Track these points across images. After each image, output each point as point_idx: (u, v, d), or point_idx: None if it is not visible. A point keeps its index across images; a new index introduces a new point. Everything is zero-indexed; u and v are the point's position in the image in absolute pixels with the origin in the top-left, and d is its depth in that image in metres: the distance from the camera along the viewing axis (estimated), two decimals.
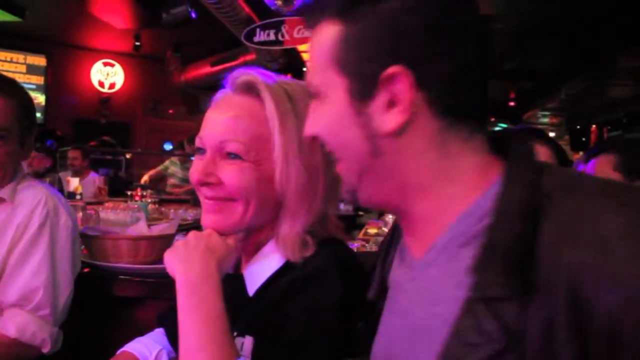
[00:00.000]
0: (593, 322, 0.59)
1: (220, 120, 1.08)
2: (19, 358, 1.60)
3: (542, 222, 0.66)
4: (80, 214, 2.69)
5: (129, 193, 4.26)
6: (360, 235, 4.31)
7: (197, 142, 1.11)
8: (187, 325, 0.94)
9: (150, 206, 3.84)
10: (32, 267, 1.62)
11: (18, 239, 1.63)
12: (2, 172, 1.65)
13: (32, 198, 1.69)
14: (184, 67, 9.81)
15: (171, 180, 6.80)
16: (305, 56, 7.63)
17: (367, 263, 1.11)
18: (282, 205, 1.07)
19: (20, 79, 8.96)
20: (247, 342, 1.03)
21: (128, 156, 8.70)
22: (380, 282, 0.93)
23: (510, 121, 13.69)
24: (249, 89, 1.09)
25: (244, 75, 1.10)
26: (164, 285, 1.77)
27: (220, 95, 1.14)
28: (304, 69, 8.54)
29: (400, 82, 0.72)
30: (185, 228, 2.82)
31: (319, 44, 0.79)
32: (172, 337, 1.25)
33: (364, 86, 0.74)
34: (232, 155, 1.05)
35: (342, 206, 8.20)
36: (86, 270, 1.90)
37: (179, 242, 1.07)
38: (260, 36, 5.83)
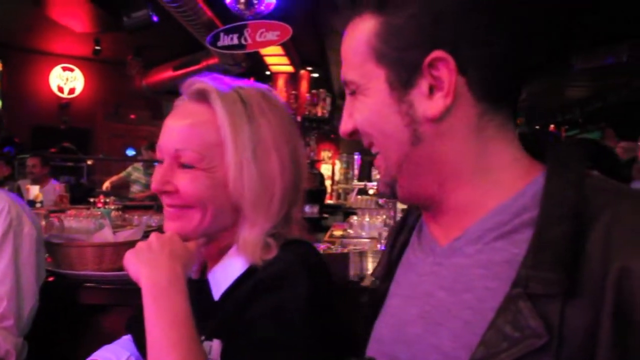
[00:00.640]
0: (635, 329, 0.61)
1: (175, 129, 1.09)
2: None
3: (592, 224, 0.67)
4: (43, 222, 2.64)
5: (91, 200, 4.19)
6: (326, 238, 4.32)
7: (157, 150, 1.12)
8: (154, 330, 0.94)
9: (114, 213, 3.79)
10: None
11: None
12: None
13: None
14: (146, 72, 9.70)
15: (135, 187, 6.72)
16: (267, 60, 7.63)
17: (334, 264, 1.13)
18: (240, 211, 1.08)
19: None
20: (215, 346, 1.03)
21: (89, 162, 8.56)
22: (388, 264, 0.95)
23: None
24: (202, 96, 1.10)
25: (197, 82, 1.10)
26: (131, 292, 1.75)
27: (177, 102, 1.15)
28: (267, 72, 8.57)
29: (443, 67, 0.74)
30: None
31: (355, 39, 0.81)
32: (140, 344, 1.25)
33: (405, 74, 0.76)
34: (187, 164, 1.07)
35: (307, 208, 8.23)
36: (51, 279, 1.88)
37: (142, 244, 1.06)
38: (224, 40, 5.81)
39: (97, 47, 8.96)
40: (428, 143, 0.78)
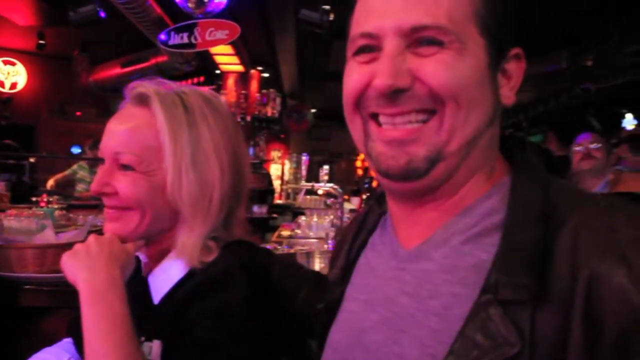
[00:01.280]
0: (605, 333, 0.60)
1: (115, 132, 1.10)
2: None
3: (559, 229, 0.67)
4: None
5: (33, 199, 4.08)
6: (274, 238, 4.34)
7: (99, 152, 1.13)
8: (92, 334, 0.95)
9: (57, 212, 3.71)
10: None
11: None
12: None
13: None
14: (93, 68, 9.47)
15: (80, 185, 6.56)
16: (217, 59, 7.58)
17: (283, 265, 1.16)
18: (178, 214, 1.10)
19: None
20: (155, 347, 1.04)
21: (32, 160, 8.30)
22: (345, 266, 0.93)
23: None
24: (144, 101, 1.12)
25: (139, 86, 1.12)
26: (72, 294, 1.74)
27: (121, 106, 1.17)
28: (217, 71, 8.50)
29: (518, 63, 0.78)
30: None
31: None
32: (81, 346, 1.24)
33: (498, 54, 0.75)
34: (126, 167, 1.08)
35: (256, 208, 8.22)
36: None
37: (79, 246, 1.07)
38: (174, 39, 5.76)
39: (41, 42, 8.69)
40: (492, 130, 0.77)
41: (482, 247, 0.72)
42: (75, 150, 9.70)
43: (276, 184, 9.63)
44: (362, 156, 11.11)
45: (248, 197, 1.20)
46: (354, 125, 0.80)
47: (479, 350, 0.64)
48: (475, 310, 0.67)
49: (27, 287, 1.86)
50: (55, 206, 3.91)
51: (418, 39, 0.72)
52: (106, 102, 9.90)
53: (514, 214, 0.71)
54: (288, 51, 7.48)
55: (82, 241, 1.08)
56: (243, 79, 8.71)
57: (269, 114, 8.70)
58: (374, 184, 6.93)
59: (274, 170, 11.83)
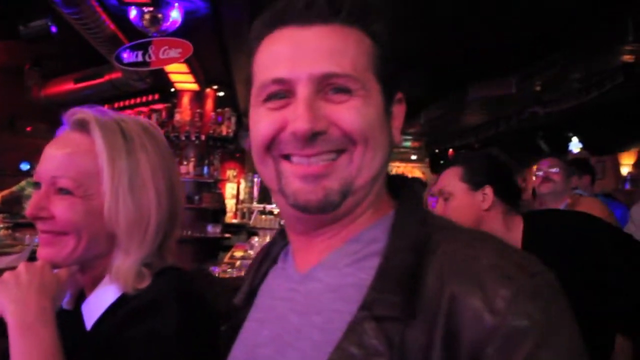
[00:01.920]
0: (462, 346, 0.68)
1: (54, 156, 1.11)
2: None
3: (430, 257, 0.75)
4: None
5: None
6: (226, 259, 4.32)
7: (35, 176, 1.13)
8: None
9: (3, 232, 3.63)
10: None
11: None
12: None
13: None
14: (45, 82, 9.28)
15: (28, 203, 6.39)
16: (172, 77, 7.54)
17: (220, 291, 1.17)
18: (114, 239, 1.11)
19: None
20: None
21: None
22: (249, 290, 0.97)
23: None
24: (83, 126, 1.13)
25: (78, 112, 1.14)
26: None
27: (58, 132, 1.18)
28: (172, 90, 8.45)
29: (402, 106, 0.87)
30: None
31: (351, 44, 0.79)
32: None
33: (388, 98, 0.84)
34: (63, 191, 1.09)
35: (209, 228, 8.16)
36: None
37: (9, 275, 1.05)
38: (130, 57, 5.74)
39: None
40: (386, 167, 0.85)
41: (363, 269, 0.79)
42: (25, 166, 9.45)
43: (231, 203, 9.57)
44: None
45: (182, 225, 1.21)
46: (265, 166, 0.84)
47: (351, 359, 0.70)
48: (353, 324, 0.73)
49: None
50: (1, 225, 3.81)
51: (329, 86, 0.78)
52: (58, 117, 9.66)
53: (393, 242, 0.79)
54: (243, 70, 7.47)
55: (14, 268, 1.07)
56: (198, 97, 8.69)
57: (224, 133, 8.66)
58: None
59: (230, 189, 11.77)
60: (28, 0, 5.87)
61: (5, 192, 6.54)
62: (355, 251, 0.82)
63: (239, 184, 12.14)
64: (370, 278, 0.77)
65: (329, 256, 0.84)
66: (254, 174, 12.33)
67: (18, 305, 0.99)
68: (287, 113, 0.79)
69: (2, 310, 1.00)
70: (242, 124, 9.18)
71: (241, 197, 12.05)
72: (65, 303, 1.17)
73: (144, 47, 5.65)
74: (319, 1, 0.79)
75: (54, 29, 5.90)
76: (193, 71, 7.53)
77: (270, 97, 0.81)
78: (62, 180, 1.09)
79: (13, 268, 1.89)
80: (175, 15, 5.30)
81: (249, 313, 0.94)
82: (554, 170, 3.65)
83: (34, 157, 9.02)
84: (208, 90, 8.75)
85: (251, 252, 4.59)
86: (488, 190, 1.94)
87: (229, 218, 9.39)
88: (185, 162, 8.32)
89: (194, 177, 8.37)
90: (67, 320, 1.07)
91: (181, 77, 7.87)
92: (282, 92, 0.80)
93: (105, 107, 1.20)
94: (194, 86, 8.33)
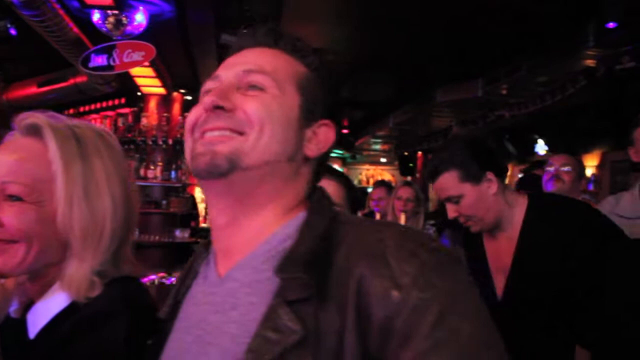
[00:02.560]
0: (372, 325, 0.73)
1: (4, 162, 1.08)
2: None
3: (339, 245, 0.81)
4: None
5: None
6: None
7: None
8: None
9: None
10: None
11: None
12: None
13: None
14: (7, 86, 9.08)
15: None
16: (139, 81, 7.45)
17: None
18: (68, 247, 1.08)
19: None
20: None
21: None
22: (174, 302, 0.98)
23: (344, 147, 14.34)
24: (35, 131, 1.10)
25: (30, 117, 1.11)
26: None
27: (7, 137, 1.14)
28: (138, 94, 8.35)
29: (330, 131, 0.96)
30: None
31: (281, 62, 0.94)
32: None
33: (309, 116, 0.93)
34: (13, 197, 1.05)
35: (177, 233, 8.07)
36: None
37: None
38: (95, 61, 5.65)
39: None
40: (292, 169, 0.92)
41: (276, 263, 0.84)
42: None
43: (202, 207, 9.48)
44: None
45: (135, 232, 1.20)
46: (187, 145, 0.93)
47: (270, 344, 0.74)
48: (268, 312, 0.78)
49: None
50: None
51: (247, 84, 0.91)
52: None
53: (301, 234, 0.85)
54: (210, 75, 7.44)
55: None
56: (165, 101, 8.59)
57: None
58: None
59: (199, 193, 11.66)
60: None
61: None
62: (269, 250, 0.86)
63: None
64: None
65: (245, 258, 0.88)
66: None
67: None
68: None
69: None
70: None
71: None
72: (13, 312, 1.13)
73: (109, 51, 5.57)
74: (265, 33, 0.98)
75: (13, 32, 5.77)
76: (159, 75, 7.45)
77: (205, 94, 0.94)
78: (12, 186, 1.05)
79: None
80: (140, 18, 5.23)
81: (174, 324, 0.96)
82: (566, 169, 3.42)
83: None
84: (175, 94, 8.66)
85: None
86: (490, 176, 1.94)
87: (201, 222, 9.29)
88: (152, 167, 8.21)
89: (162, 181, 8.27)
90: (13, 329, 1.04)
91: (148, 81, 7.78)
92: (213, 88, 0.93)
93: (70, 112, 1.18)
94: (161, 90, 8.24)
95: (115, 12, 5.19)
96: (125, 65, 5.35)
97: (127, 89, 8.06)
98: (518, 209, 1.97)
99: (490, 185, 1.94)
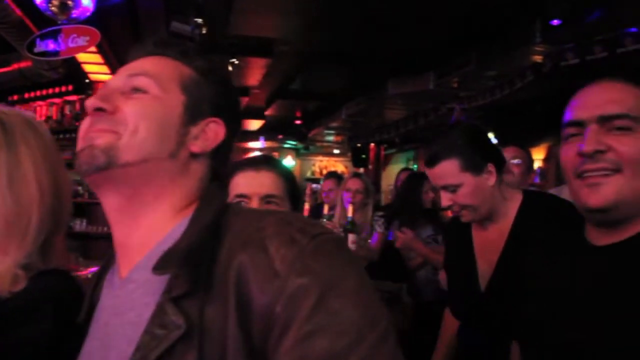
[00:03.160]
0: (253, 313, 0.73)
1: None
2: None
3: (223, 238, 0.81)
4: None
5: None
6: None
7: None
8: None
9: None
10: None
11: None
12: None
13: None
14: None
15: None
16: (86, 67, 7.25)
17: None
18: None
19: None
20: None
21: None
22: (90, 306, 0.96)
23: (298, 139, 14.34)
24: None
25: None
26: None
27: None
28: (86, 81, 8.12)
29: (219, 129, 0.96)
30: None
31: (168, 67, 0.96)
32: None
33: (194, 115, 0.93)
34: None
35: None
36: None
37: None
38: (40, 46, 5.45)
39: None
40: (175, 167, 0.91)
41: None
42: None
43: None
44: None
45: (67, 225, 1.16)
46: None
47: (157, 340, 0.74)
48: (156, 310, 0.78)
49: None
50: None
51: (131, 86, 0.91)
52: None
53: (187, 229, 0.85)
54: None
55: None
56: None
57: None
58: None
59: None
60: None
61: None
62: (163, 249, 0.84)
63: None
64: None
65: (142, 259, 0.87)
66: None
67: None
68: None
69: None
70: None
71: None
72: None
73: (54, 36, 5.38)
74: (153, 43, 0.99)
75: None
76: (108, 62, 7.24)
77: None
78: None
79: None
80: (86, 2, 5.05)
81: (89, 328, 0.94)
82: (516, 161, 3.44)
83: None
84: None
85: None
86: (490, 167, 1.92)
87: None
88: None
89: None
90: None
91: (95, 68, 7.54)
92: None
93: (15, 98, 1.14)
94: (109, 77, 8.01)
95: None
96: (70, 50, 5.18)
97: (75, 75, 7.82)
98: (512, 203, 1.96)
99: (489, 177, 1.92)
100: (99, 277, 0.97)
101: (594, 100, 1.15)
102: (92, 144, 0.85)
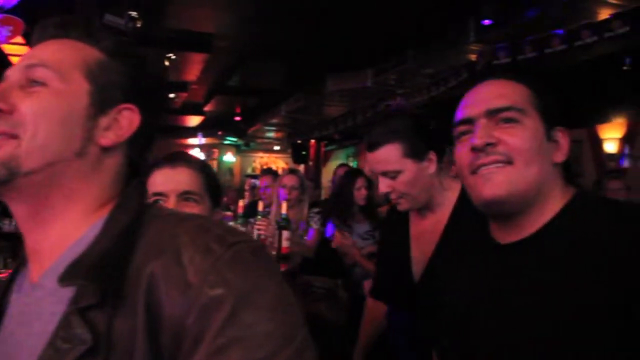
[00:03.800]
0: (163, 325, 0.70)
1: None
2: None
3: (139, 242, 0.77)
4: None
5: None
6: None
7: None
8: None
9: None
10: None
11: None
12: None
13: None
14: None
15: None
16: (13, 60, 6.95)
17: None
18: None
19: None
20: None
21: None
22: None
23: (238, 135, 14.23)
24: None
25: None
26: None
27: None
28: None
29: (133, 117, 0.88)
30: None
31: (78, 50, 0.88)
32: None
33: (100, 102, 0.85)
34: None
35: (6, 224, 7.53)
36: None
37: None
38: None
39: None
40: (86, 165, 0.84)
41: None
42: None
43: None
44: None
45: None
46: None
47: (60, 354, 0.70)
48: (62, 321, 0.73)
49: None
50: None
51: (29, 79, 0.83)
52: None
53: (101, 234, 0.80)
54: None
55: None
56: None
57: None
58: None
59: None
60: None
61: None
62: (76, 253, 0.80)
63: None
64: None
65: (53, 264, 0.82)
66: None
67: None
68: None
69: None
70: None
71: None
72: None
73: None
74: (55, 24, 0.90)
75: None
76: None
77: None
78: None
79: None
80: None
81: None
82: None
83: None
84: None
85: None
86: (432, 155, 1.88)
87: None
88: None
89: None
90: None
91: None
92: None
93: None
94: None
95: None
96: None
97: (0, 68, 7.50)
98: (451, 193, 1.94)
99: (429, 165, 1.88)
100: (10, 281, 0.92)
101: (481, 97, 1.19)
102: None
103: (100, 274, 0.73)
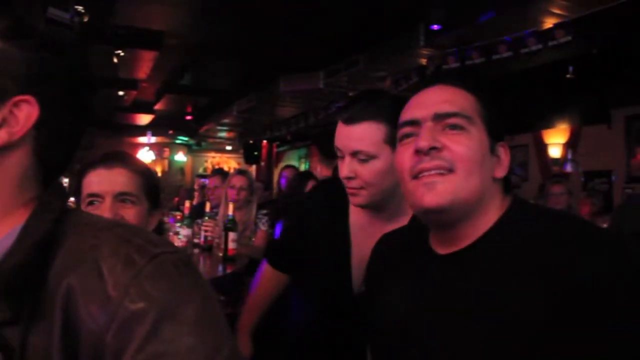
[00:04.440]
0: (80, 342, 0.66)
1: None
2: None
3: (57, 253, 0.71)
4: None
5: None
6: None
7: None
8: None
9: None
10: None
11: None
12: None
13: None
14: None
15: None
16: None
17: None
18: None
19: None
20: None
21: None
22: None
23: (189, 134, 14.06)
24: None
25: None
26: None
27: None
28: None
29: (25, 108, 0.75)
30: None
31: None
32: None
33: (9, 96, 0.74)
34: None
35: None
36: None
37: None
38: None
39: None
40: (11, 168, 0.76)
41: None
42: None
43: None
44: None
45: None
46: None
47: None
48: None
49: None
50: None
51: None
52: None
53: (14, 245, 0.72)
54: None
55: None
56: None
57: None
58: None
59: None
60: None
61: None
62: None
63: None
64: None
65: None
66: None
67: None
68: None
69: None
70: None
71: None
72: None
73: None
74: None
75: None
76: None
77: None
78: None
79: None
80: None
81: None
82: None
83: None
84: None
85: None
86: None
87: None
88: None
89: None
90: None
91: None
92: None
93: None
94: None
95: None
96: None
97: None
98: None
99: None
100: None
101: (430, 100, 1.17)
102: None
103: (14, 289, 0.68)
